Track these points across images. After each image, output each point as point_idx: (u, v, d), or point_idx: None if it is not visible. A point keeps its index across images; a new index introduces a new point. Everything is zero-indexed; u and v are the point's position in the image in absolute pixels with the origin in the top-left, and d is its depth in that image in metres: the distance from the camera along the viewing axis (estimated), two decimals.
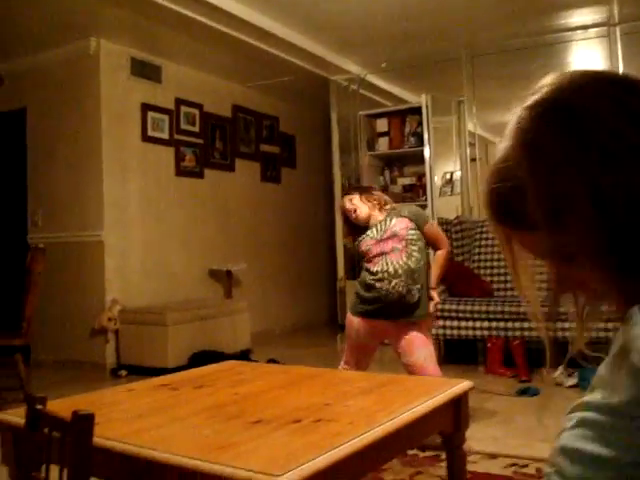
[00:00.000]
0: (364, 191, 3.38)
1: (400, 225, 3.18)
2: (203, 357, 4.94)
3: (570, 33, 5.93)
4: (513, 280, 0.80)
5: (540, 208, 0.70)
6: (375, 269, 3.13)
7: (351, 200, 3.29)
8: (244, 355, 5.45)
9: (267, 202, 7.33)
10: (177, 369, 4.55)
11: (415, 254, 3.12)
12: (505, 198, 0.75)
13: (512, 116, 0.76)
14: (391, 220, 3.21)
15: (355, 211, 3.26)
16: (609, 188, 0.66)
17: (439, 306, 3.47)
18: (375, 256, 3.16)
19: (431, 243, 3.27)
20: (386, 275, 3.08)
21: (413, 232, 3.16)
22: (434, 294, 3.24)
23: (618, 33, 5.70)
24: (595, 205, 0.66)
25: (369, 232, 3.23)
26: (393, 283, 3.06)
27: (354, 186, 3.54)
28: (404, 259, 3.10)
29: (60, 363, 5.36)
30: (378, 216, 3.27)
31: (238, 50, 5.66)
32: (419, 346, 3.11)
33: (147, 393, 2.11)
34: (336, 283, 7.11)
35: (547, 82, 0.76)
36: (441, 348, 5.09)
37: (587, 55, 6.59)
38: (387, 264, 3.10)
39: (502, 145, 0.76)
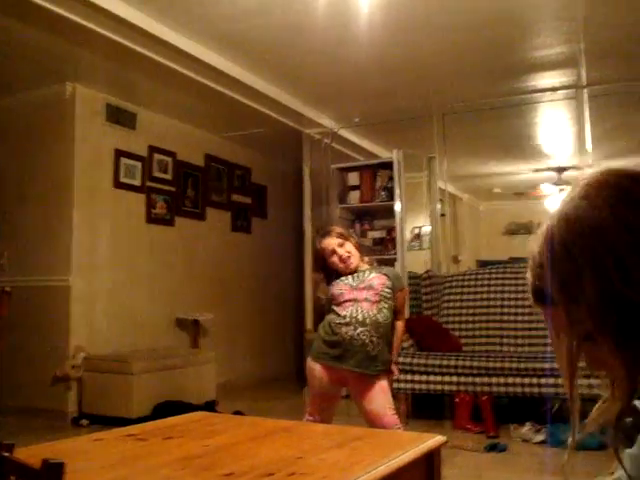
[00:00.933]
0: (353, 238, 3.31)
1: (378, 280, 3.15)
2: (167, 408, 4.86)
3: (539, 94, 6.09)
4: (554, 351, 0.87)
5: (554, 283, 0.81)
6: (344, 313, 3.09)
7: (343, 245, 3.19)
8: (209, 406, 5.37)
9: (237, 252, 7.32)
10: (141, 419, 4.47)
11: (385, 310, 3.11)
12: (536, 281, 0.86)
13: (550, 213, 0.87)
14: (370, 273, 3.20)
15: (349, 258, 3.18)
16: (612, 269, 0.74)
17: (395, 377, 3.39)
18: (346, 301, 3.11)
19: (395, 310, 3.21)
20: (354, 321, 3.05)
21: (388, 290, 3.14)
22: (394, 368, 3.18)
23: (585, 96, 5.88)
24: (598, 284, 0.75)
25: (344, 278, 3.18)
26: (359, 330, 3.03)
27: (339, 231, 3.25)
28: (374, 311, 3.08)
29: (22, 410, 5.21)
30: (359, 267, 3.23)
31: (213, 100, 5.71)
32: (379, 393, 3.07)
33: (115, 443, 2.06)
34: (303, 335, 7.07)
35: (580, 178, 0.87)
36: (409, 403, 5.06)
37: (555, 116, 6.77)
38: (357, 311, 3.06)
39: (540, 230, 0.87)
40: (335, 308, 3.15)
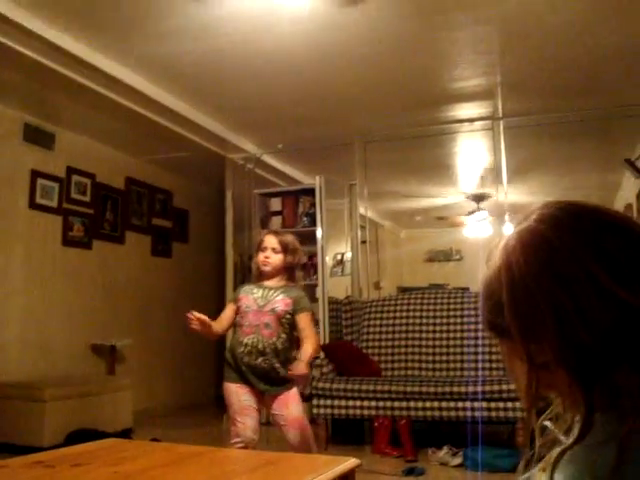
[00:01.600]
0: (290, 256, 3.28)
1: (282, 304, 3.19)
2: (81, 436, 4.71)
3: (457, 125, 6.27)
4: (510, 379, 0.91)
5: (515, 324, 0.82)
6: (245, 341, 3.17)
7: (276, 251, 3.24)
8: (125, 434, 5.23)
9: (157, 276, 7.21)
10: (53, 448, 4.32)
11: (283, 336, 3.18)
12: (490, 312, 0.87)
13: (502, 240, 0.89)
14: (279, 294, 3.22)
15: (266, 265, 3.23)
16: (573, 314, 0.77)
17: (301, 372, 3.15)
18: (249, 326, 3.18)
19: (298, 333, 3.22)
20: (254, 350, 3.14)
21: (289, 317, 3.19)
22: (303, 367, 3.09)
23: (502, 127, 6.08)
24: (560, 328, 0.77)
25: (255, 289, 3.24)
26: (259, 360, 3.14)
27: (284, 239, 3.30)
28: (273, 339, 3.15)
29: None
30: (276, 280, 3.25)
31: (135, 123, 5.64)
32: (293, 402, 3.21)
33: (21, 470, 1.99)
34: (223, 361, 6.99)
35: (535, 210, 0.90)
36: (328, 428, 5.06)
37: (473, 145, 6.96)
38: (257, 340, 3.15)
39: (491, 264, 0.88)
40: (239, 331, 3.23)
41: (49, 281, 5.76)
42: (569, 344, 0.77)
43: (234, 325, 3.28)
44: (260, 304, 3.19)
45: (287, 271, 3.27)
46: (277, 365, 3.14)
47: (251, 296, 3.22)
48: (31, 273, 5.59)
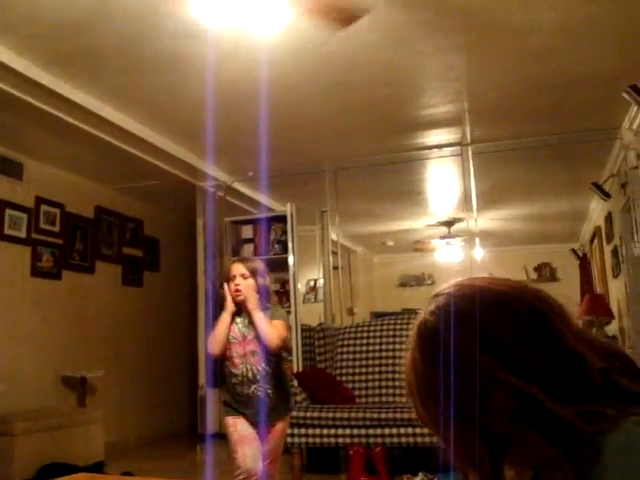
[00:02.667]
0: (262, 278, 3.25)
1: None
2: (53, 470, 4.63)
3: (427, 151, 6.33)
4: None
5: (425, 413, 0.90)
6: (237, 372, 3.18)
7: (245, 278, 3.19)
8: (97, 468, 5.15)
9: (128, 306, 7.14)
10: None
11: (273, 359, 3.20)
12: (410, 400, 0.94)
13: (412, 329, 0.96)
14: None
15: (239, 293, 3.18)
16: (470, 404, 0.82)
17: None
18: (237, 357, 3.18)
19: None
20: (246, 380, 3.15)
21: None
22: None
23: (470, 153, 6.15)
24: (459, 418, 0.83)
25: (238, 319, 3.22)
26: (252, 388, 3.14)
27: (252, 265, 3.27)
28: (263, 365, 3.16)
29: None
30: (254, 308, 3.19)
31: (104, 151, 5.62)
32: (276, 437, 3.25)
33: None
34: (197, 391, 6.93)
35: (431, 299, 0.95)
36: (303, 457, 5.01)
37: (443, 171, 7.03)
38: (247, 369, 3.15)
39: (406, 355, 0.94)
40: (229, 364, 3.21)
41: (18, 312, 5.67)
42: (466, 428, 0.83)
43: (225, 357, 3.24)
44: (244, 333, 3.19)
45: (261, 294, 3.23)
46: (271, 391, 3.16)
47: (236, 327, 3.21)
48: None
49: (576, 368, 0.83)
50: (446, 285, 0.94)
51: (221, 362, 3.29)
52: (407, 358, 0.92)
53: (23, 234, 5.76)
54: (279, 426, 3.25)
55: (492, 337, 0.83)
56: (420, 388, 0.88)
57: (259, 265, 3.32)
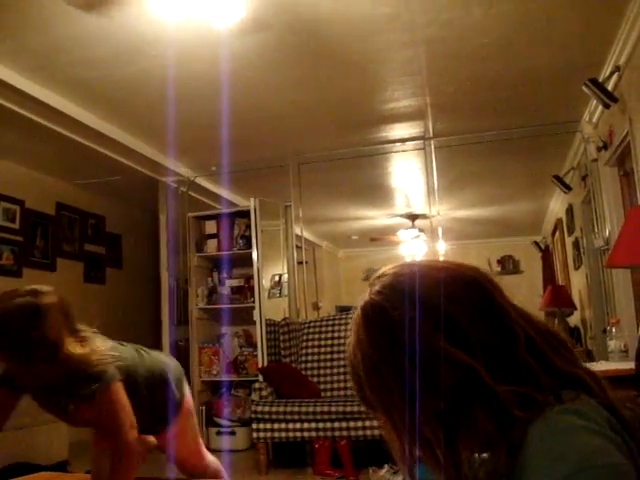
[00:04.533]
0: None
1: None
2: (15, 470, 4.55)
3: (390, 145, 6.35)
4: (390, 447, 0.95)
5: (373, 396, 0.88)
6: None
7: None
8: (61, 467, 5.08)
9: (90, 303, 7.05)
10: None
11: None
12: (357, 387, 0.91)
13: (354, 311, 0.93)
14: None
15: None
16: (418, 381, 0.82)
17: None
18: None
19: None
20: None
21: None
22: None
23: (432, 146, 6.19)
24: (410, 399, 0.83)
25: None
26: None
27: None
28: None
29: None
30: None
31: (64, 147, 5.53)
32: None
33: None
34: None
35: (375, 280, 0.94)
36: (269, 452, 5.01)
37: (406, 165, 7.06)
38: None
39: (348, 341, 0.93)
40: None
41: None
42: (417, 408, 0.82)
43: None
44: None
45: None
46: None
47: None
48: None
49: (517, 346, 0.84)
50: (388, 267, 0.93)
51: None
52: (351, 342, 0.91)
53: None
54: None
55: (437, 312, 0.83)
56: (367, 371, 0.87)
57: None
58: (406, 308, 0.84)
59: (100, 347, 2.25)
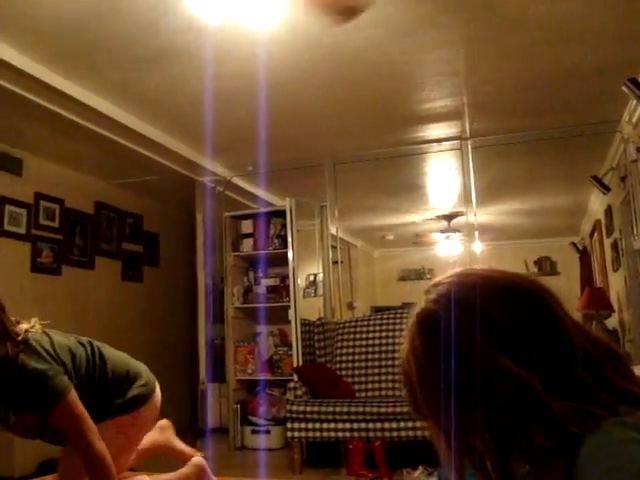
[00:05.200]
0: None
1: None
2: (53, 465, 4.62)
3: (426, 145, 6.32)
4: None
5: (425, 405, 0.87)
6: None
7: None
8: None
9: (128, 301, 7.14)
10: (24, 478, 4.24)
11: None
12: (410, 395, 0.91)
13: (408, 320, 0.94)
14: None
15: None
16: (471, 392, 0.81)
17: None
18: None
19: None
20: None
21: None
22: None
23: (469, 147, 6.15)
24: (462, 410, 0.82)
25: None
26: None
27: None
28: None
29: None
30: None
31: (103, 147, 5.62)
32: None
33: None
34: (198, 386, 6.94)
35: (431, 287, 0.94)
36: (303, 451, 5.02)
37: (442, 165, 7.02)
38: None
39: (403, 346, 0.92)
40: None
41: (17, 308, 5.62)
42: (469, 420, 0.82)
43: None
44: None
45: None
46: None
47: None
48: None
49: (575, 361, 0.83)
50: (446, 274, 0.93)
51: None
52: (405, 349, 0.90)
53: (23, 230, 5.76)
54: None
55: (495, 324, 0.82)
56: (420, 378, 0.87)
57: None
58: (462, 318, 0.84)
59: (42, 347, 2.09)
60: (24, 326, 2.10)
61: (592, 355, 0.85)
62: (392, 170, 6.97)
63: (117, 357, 2.44)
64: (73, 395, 1.99)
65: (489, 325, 0.82)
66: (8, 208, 5.61)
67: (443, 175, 7.45)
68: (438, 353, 0.84)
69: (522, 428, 0.80)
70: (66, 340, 2.23)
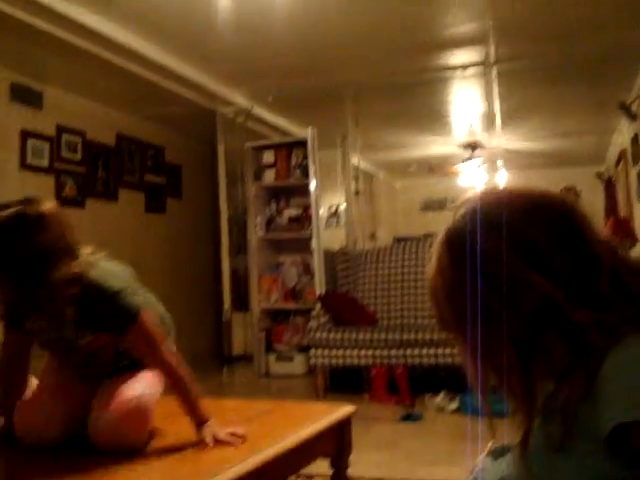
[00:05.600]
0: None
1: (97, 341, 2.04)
2: None
3: (450, 72, 6.20)
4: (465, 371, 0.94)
5: (451, 320, 0.89)
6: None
7: None
8: None
9: (151, 233, 7.21)
10: None
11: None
12: (437, 310, 0.92)
13: (438, 237, 0.94)
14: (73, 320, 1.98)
15: None
16: (497, 305, 0.82)
17: None
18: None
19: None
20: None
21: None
22: None
23: (494, 73, 6.02)
24: (487, 325, 0.83)
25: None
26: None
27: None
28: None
29: None
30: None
31: (124, 78, 5.58)
32: None
33: None
34: (221, 315, 7.06)
35: (461, 205, 0.93)
36: (326, 377, 5.12)
37: (466, 92, 6.90)
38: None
39: (429, 264, 0.93)
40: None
41: None
42: (494, 333, 0.83)
43: None
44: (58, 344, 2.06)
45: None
46: None
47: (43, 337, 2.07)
48: None
49: (600, 276, 0.83)
50: (473, 193, 0.93)
51: None
52: (432, 265, 0.91)
53: (46, 163, 5.79)
54: None
55: (522, 238, 0.83)
56: (447, 294, 0.87)
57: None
58: (490, 235, 0.84)
59: (112, 269, 2.14)
60: (87, 250, 2.07)
61: (620, 273, 0.85)
62: (415, 98, 6.86)
63: None
64: (147, 314, 2.01)
65: (514, 239, 0.83)
66: (30, 141, 5.62)
67: (467, 102, 7.32)
68: (464, 268, 0.84)
69: (545, 342, 0.81)
70: (124, 267, 2.29)
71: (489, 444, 0.89)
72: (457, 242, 0.87)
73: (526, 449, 0.80)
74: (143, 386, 1.95)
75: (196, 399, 1.92)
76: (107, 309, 1.92)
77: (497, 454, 0.87)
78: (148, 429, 1.85)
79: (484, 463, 0.88)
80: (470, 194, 0.93)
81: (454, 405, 4.34)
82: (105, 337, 2.00)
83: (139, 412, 1.83)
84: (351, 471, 2.22)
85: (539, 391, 0.83)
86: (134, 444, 1.78)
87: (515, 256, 0.82)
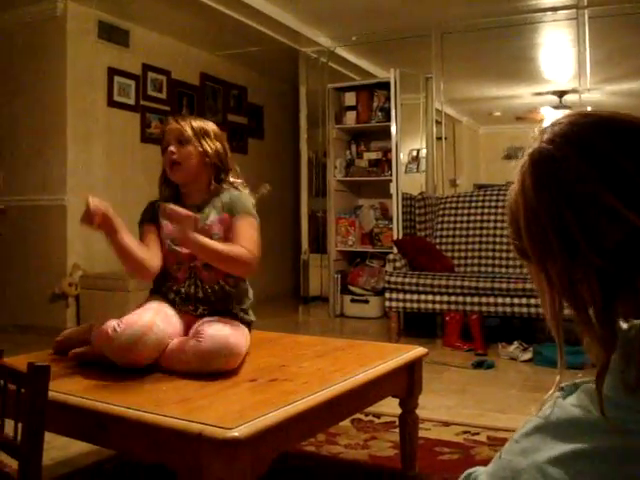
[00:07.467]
0: (207, 143, 2.26)
1: (219, 227, 2.27)
2: None
3: (539, 14, 5.97)
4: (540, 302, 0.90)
5: (530, 245, 0.84)
6: (180, 289, 2.23)
7: (184, 144, 2.25)
8: None
9: None
10: None
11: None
12: (514, 235, 0.88)
13: (520, 160, 0.89)
14: (210, 213, 2.28)
15: (176, 168, 2.27)
16: (578, 235, 0.78)
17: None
18: (180, 266, 2.25)
19: (232, 239, 2.23)
20: (195, 300, 2.21)
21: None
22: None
23: (586, 16, 5.77)
24: (569, 254, 0.79)
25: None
26: (200, 310, 2.20)
27: (194, 123, 2.27)
28: (221, 281, 2.24)
29: (19, 327, 5.30)
30: (200, 191, 2.30)
31: (208, 17, 5.61)
32: None
33: None
34: (300, 256, 7.14)
35: (547, 128, 0.87)
36: (400, 321, 5.16)
37: (555, 37, 6.64)
38: (196, 286, 2.23)
39: (511, 187, 0.88)
40: (168, 275, 2.26)
41: (129, 176, 5.91)
42: (576, 264, 0.78)
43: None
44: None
45: (213, 170, 2.31)
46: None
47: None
48: (112, 169, 5.75)
49: None
50: (564, 115, 0.88)
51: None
52: (514, 189, 0.87)
53: (132, 101, 5.92)
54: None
55: (614, 168, 0.78)
56: (528, 220, 0.83)
57: (207, 125, 2.32)
58: (578, 159, 0.81)
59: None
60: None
61: None
62: (502, 42, 6.64)
63: None
64: (258, 224, 2.49)
65: (604, 166, 0.78)
66: (117, 79, 5.75)
67: (556, 47, 7.04)
68: (548, 193, 0.80)
69: (629, 277, 0.78)
70: None
71: (557, 378, 0.87)
72: (542, 165, 0.83)
73: (602, 385, 0.78)
74: (237, 329, 2.06)
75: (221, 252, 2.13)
76: (239, 200, 2.36)
77: (567, 392, 0.85)
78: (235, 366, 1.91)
79: (554, 398, 0.86)
80: (556, 117, 0.89)
81: (527, 355, 4.30)
82: (225, 220, 2.28)
83: (231, 350, 1.90)
84: (419, 413, 2.25)
85: (618, 324, 0.81)
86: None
87: (601, 183, 0.77)
